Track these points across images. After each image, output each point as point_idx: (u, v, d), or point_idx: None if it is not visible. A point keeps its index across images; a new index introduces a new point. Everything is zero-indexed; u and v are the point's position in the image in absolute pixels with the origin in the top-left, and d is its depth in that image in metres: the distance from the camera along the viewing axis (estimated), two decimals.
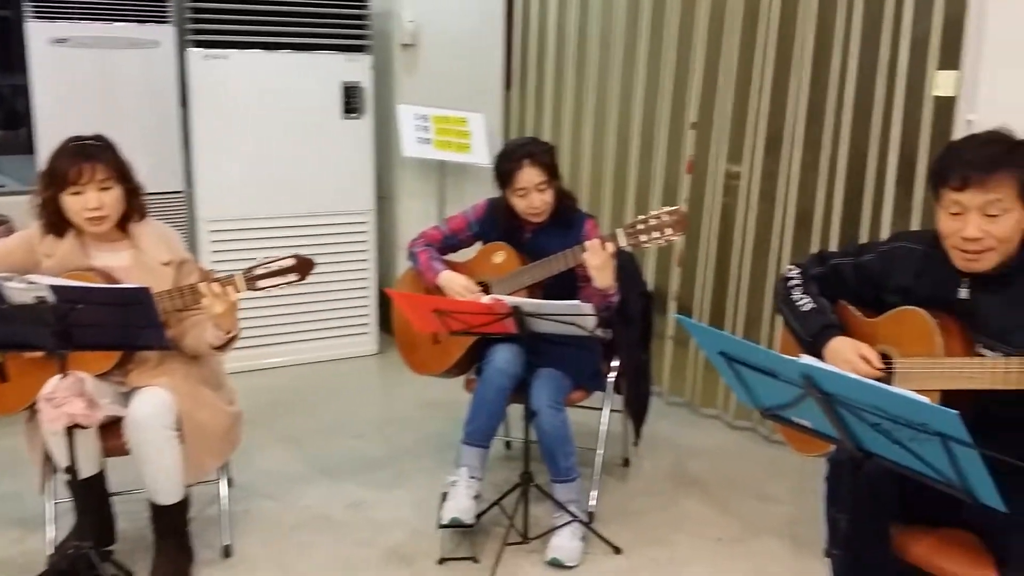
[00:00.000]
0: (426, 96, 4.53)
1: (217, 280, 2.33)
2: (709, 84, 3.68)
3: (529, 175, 2.74)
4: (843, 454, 1.82)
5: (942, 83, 2.97)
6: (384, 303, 4.65)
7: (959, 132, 2.89)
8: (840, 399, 1.59)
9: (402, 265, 4.57)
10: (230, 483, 2.74)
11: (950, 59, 2.93)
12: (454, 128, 4.50)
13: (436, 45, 4.57)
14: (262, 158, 4.19)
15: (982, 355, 1.88)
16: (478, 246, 3.00)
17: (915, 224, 3.04)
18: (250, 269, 2.36)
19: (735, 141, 3.61)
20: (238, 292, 2.34)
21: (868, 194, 3.18)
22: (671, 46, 3.80)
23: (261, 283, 2.37)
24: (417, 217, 4.58)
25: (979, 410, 1.84)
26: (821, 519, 2.05)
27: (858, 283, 2.14)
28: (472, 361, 2.94)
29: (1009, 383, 1.74)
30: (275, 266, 2.37)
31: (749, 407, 1.89)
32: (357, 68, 4.32)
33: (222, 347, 2.45)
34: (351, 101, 4.32)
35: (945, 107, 2.97)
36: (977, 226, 1.83)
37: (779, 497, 3.12)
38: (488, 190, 4.48)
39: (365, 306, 4.59)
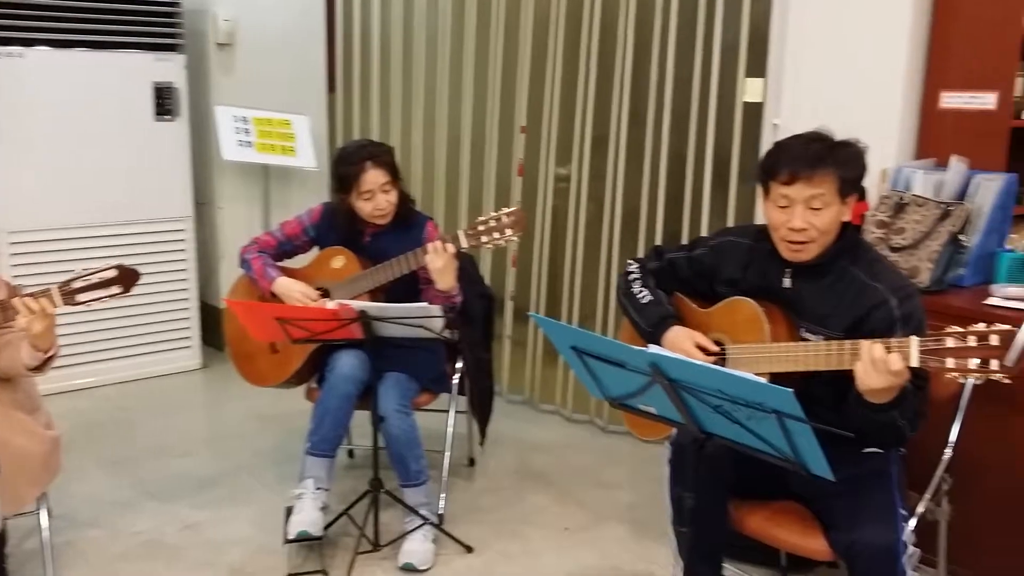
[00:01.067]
0: (245, 97, 4.37)
1: (31, 295, 2.14)
2: (536, 88, 3.78)
3: (374, 177, 2.71)
4: (686, 436, 1.93)
5: (750, 90, 3.21)
6: (207, 315, 4.44)
7: (766, 136, 3.14)
8: (684, 384, 1.68)
9: (225, 274, 4.39)
10: (50, 513, 2.52)
11: (757, 67, 3.17)
12: (277, 131, 4.36)
13: (254, 45, 4.41)
14: (66, 163, 3.89)
15: (806, 339, 2.04)
16: (315, 251, 2.93)
17: (730, 220, 3.26)
18: (67, 282, 2.17)
19: (563, 144, 3.73)
20: (54, 307, 2.16)
21: (688, 193, 3.39)
22: (498, 50, 3.88)
23: (80, 296, 2.19)
24: (240, 223, 4.41)
25: (801, 391, 2.01)
26: (661, 501, 2.16)
27: (692, 275, 2.28)
28: (313, 370, 2.87)
29: (830, 364, 1.90)
30: (95, 278, 2.19)
31: (597, 398, 1.96)
32: (169, 68, 4.10)
33: (39, 368, 2.25)
34: (163, 102, 4.10)
35: (753, 112, 3.21)
36: (803, 218, 1.99)
37: (619, 484, 3.25)
38: (315, 194, 4.39)
39: (186, 319, 4.36)
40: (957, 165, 2.82)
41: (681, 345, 2.14)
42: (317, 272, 2.85)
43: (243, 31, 4.38)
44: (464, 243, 2.59)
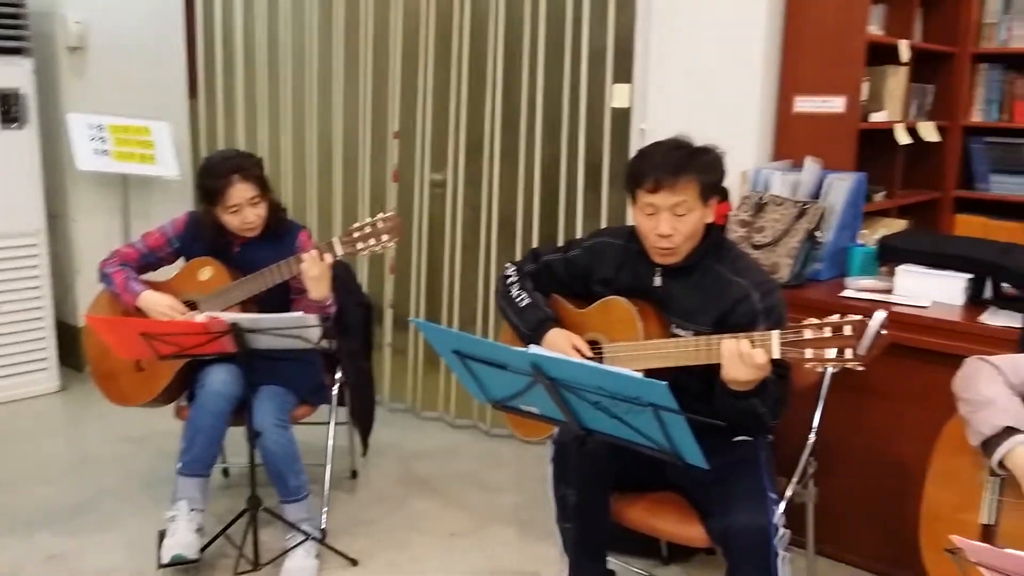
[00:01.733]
0: (100, 104, 4.15)
1: None
2: (409, 94, 3.76)
3: (241, 191, 2.62)
4: (567, 434, 1.96)
5: (618, 96, 3.30)
6: (64, 334, 4.19)
7: (634, 140, 3.23)
8: (565, 383, 1.71)
9: (83, 290, 4.16)
10: None
11: (623, 73, 3.26)
12: (136, 138, 4.17)
13: (108, 48, 4.20)
14: None
15: (677, 335, 2.12)
16: (181, 263, 2.81)
17: (604, 222, 3.34)
18: None
19: (438, 150, 3.73)
20: None
21: (562, 197, 3.45)
22: (368, 55, 3.83)
23: None
24: (98, 236, 4.18)
25: (675, 386, 2.07)
26: (545, 501, 2.19)
27: (569, 277, 2.31)
28: (182, 387, 2.75)
29: (699, 359, 1.97)
30: None
31: (481, 402, 1.96)
32: (15, 73, 3.85)
33: None
34: (9, 109, 3.85)
35: (622, 117, 3.30)
36: (669, 224, 2.05)
37: (504, 487, 3.27)
38: (178, 203, 4.22)
39: (42, 339, 4.09)
40: (811, 166, 2.98)
41: (560, 347, 2.17)
42: (184, 284, 2.74)
43: (96, 34, 4.16)
44: (340, 251, 2.55)
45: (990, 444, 1.59)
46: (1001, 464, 1.58)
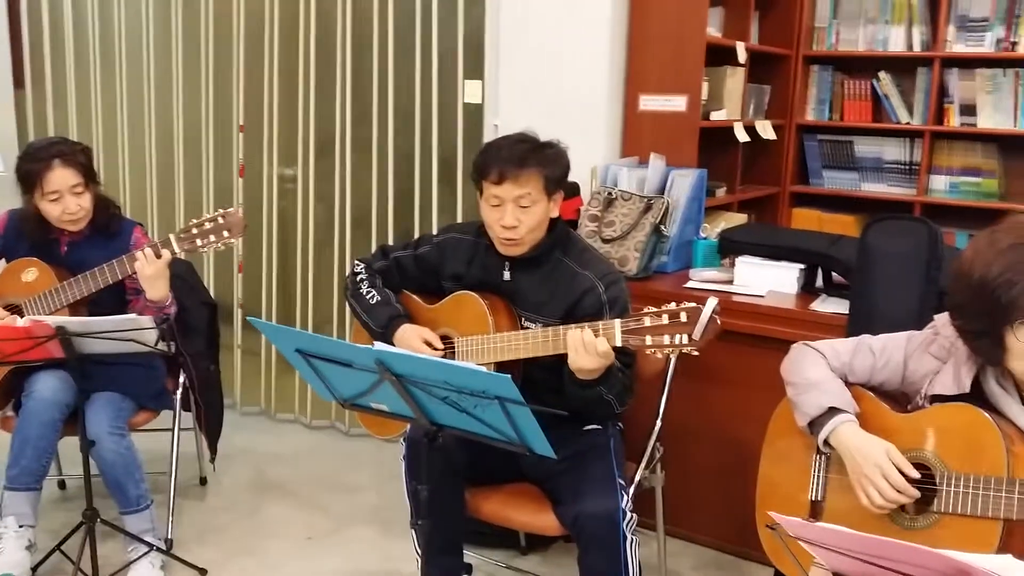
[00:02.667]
0: None
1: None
2: (254, 86, 3.63)
3: (61, 177, 2.45)
4: (418, 431, 1.94)
5: (470, 91, 3.30)
6: None
7: (487, 136, 3.25)
8: (411, 379, 1.69)
9: None
10: None
11: (475, 70, 3.27)
12: None
13: None
14: None
15: (527, 328, 2.14)
16: (2, 264, 2.62)
17: (459, 217, 3.34)
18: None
19: (287, 144, 3.62)
20: None
21: (417, 193, 3.42)
22: (209, 44, 3.68)
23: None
24: None
25: (525, 377, 2.10)
26: (405, 499, 2.17)
27: (419, 273, 2.30)
28: (7, 396, 2.56)
29: (547, 350, 2.00)
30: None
31: (328, 401, 1.92)
32: None
33: None
34: None
35: (474, 113, 3.31)
36: (513, 215, 2.08)
37: (363, 487, 3.21)
38: (9, 200, 3.92)
39: None
40: (656, 162, 3.08)
41: (410, 343, 2.16)
42: (6, 287, 2.55)
43: None
44: (177, 248, 2.43)
45: (816, 424, 1.69)
46: (826, 443, 1.68)
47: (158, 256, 2.39)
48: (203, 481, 3.18)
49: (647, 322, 1.82)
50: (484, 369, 1.58)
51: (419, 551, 2.17)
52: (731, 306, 2.70)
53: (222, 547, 2.75)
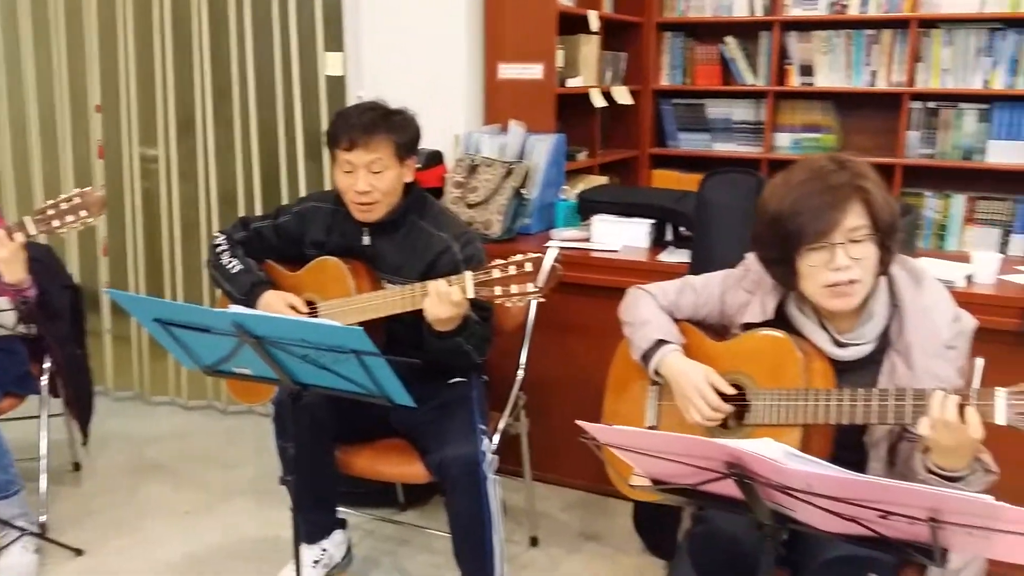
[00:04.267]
0: None
1: None
2: (109, 64, 3.56)
3: None
4: (283, 392, 2.01)
5: (331, 64, 3.34)
6: None
7: None
8: (270, 340, 1.76)
9: None
10: None
11: (335, 42, 3.31)
12: None
13: None
14: None
15: (387, 288, 2.23)
16: None
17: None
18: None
19: (147, 124, 3.57)
20: None
21: (283, 168, 3.44)
22: (59, 21, 3.58)
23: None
24: None
25: (390, 336, 2.20)
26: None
27: (280, 243, 2.35)
28: None
29: (406, 306, 2.09)
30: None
31: (191, 369, 1.96)
32: None
33: None
34: None
35: (337, 85, 3.35)
36: (366, 181, 2.16)
37: (242, 461, 3.25)
38: None
39: None
40: (515, 129, 3.21)
41: (275, 308, 2.22)
42: None
43: None
44: (33, 229, 2.39)
45: (647, 357, 1.85)
46: (657, 372, 1.84)
47: (11, 238, 2.36)
48: (77, 467, 3.15)
49: (496, 273, 1.93)
50: (337, 324, 1.67)
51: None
52: (589, 261, 2.86)
53: (99, 529, 2.75)
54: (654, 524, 2.62)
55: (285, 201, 3.45)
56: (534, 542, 2.69)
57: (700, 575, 1.66)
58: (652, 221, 2.98)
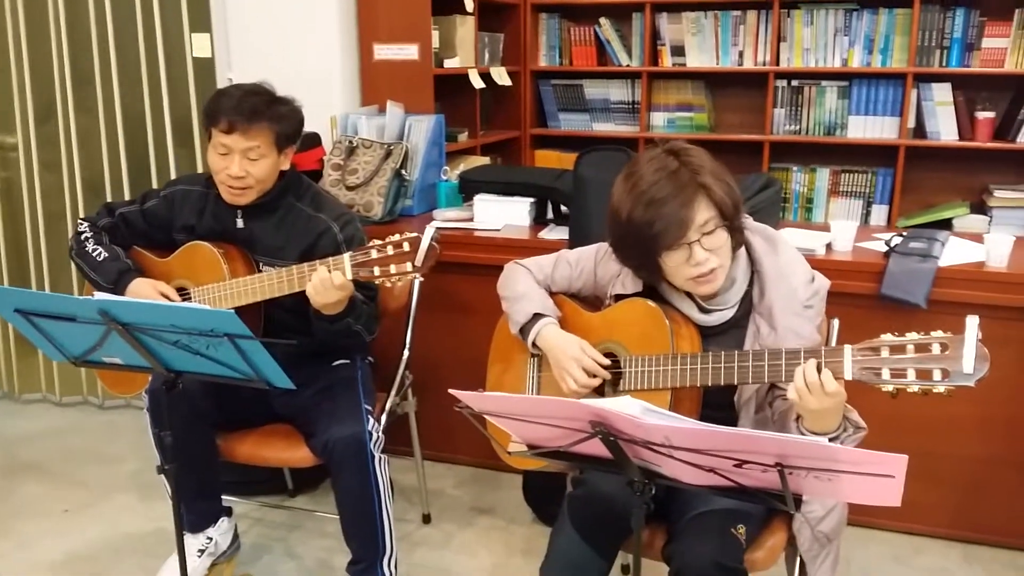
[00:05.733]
0: None
1: None
2: None
3: None
4: (158, 380, 1.97)
5: (198, 45, 3.24)
6: None
7: None
8: (138, 326, 1.72)
9: None
10: None
11: (202, 22, 3.21)
12: None
13: None
14: None
15: (265, 272, 2.19)
16: None
17: None
18: None
19: (3, 110, 3.39)
20: None
21: (152, 156, 3.32)
22: None
23: None
24: None
25: (269, 319, 2.18)
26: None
27: (148, 228, 2.29)
28: None
29: (283, 290, 2.06)
30: None
31: (59, 361, 1.90)
32: None
33: None
34: None
35: (206, 67, 3.26)
36: (240, 166, 2.11)
37: (122, 456, 3.15)
38: None
39: None
40: (393, 110, 3.20)
41: (145, 296, 2.16)
42: None
43: None
44: None
45: (525, 330, 1.89)
46: (535, 344, 1.89)
47: None
48: None
49: (374, 254, 1.94)
50: (206, 307, 1.64)
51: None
52: (472, 240, 2.89)
53: None
54: (543, 493, 2.69)
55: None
56: (427, 519, 2.72)
57: (580, 535, 1.72)
58: (533, 200, 3.03)
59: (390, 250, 1.93)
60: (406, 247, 1.92)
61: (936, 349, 1.40)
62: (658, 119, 4.32)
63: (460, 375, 2.90)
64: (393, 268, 1.93)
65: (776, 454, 1.15)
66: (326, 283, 1.96)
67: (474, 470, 3.01)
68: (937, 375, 1.40)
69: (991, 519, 2.57)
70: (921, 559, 2.52)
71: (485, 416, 1.40)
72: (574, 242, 2.64)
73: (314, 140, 3.13)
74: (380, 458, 2.13)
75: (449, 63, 3.56)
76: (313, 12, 3.16)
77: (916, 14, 3.72)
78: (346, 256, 1.96)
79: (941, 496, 2.59)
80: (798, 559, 1.81)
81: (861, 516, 2.64)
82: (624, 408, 1.17)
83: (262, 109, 2.12)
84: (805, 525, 1.78)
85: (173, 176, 3.32)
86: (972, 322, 1.38)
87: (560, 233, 2.85)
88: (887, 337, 1.45)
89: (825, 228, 2.81)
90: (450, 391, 1.40)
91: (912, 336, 1.43)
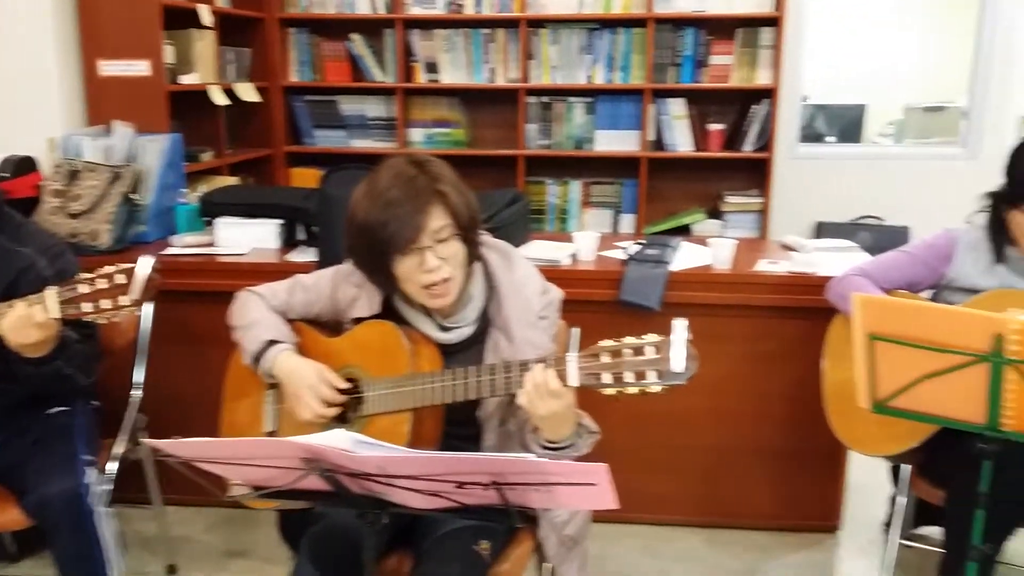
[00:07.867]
0: None
1: None
2: None
3: None
4: None
5: None
6: None
7: None
8: None
9: None
10: None
11: None
12: None
13: None
14: None
15: None
16: None
17: None
18: None
19: None
20: None
21: None
22: None
23: None
24: None
25: None
26: None
27: None
28: None
29: None
30: None
31: None
32: None
33: None
34: None
35: None
36: None
37: None
38: None
39: None
40: (121, 130, 2.96)
41: None
42: None
43: None
44: None
45: (258, 358, 1.79)
46: (272, 375, 1.79)
47: None
48: None
49: (83, 288, 1.75)
50: None
51: None
52: (214, 266, 2.72)
53: None
54: (301, 528, 2.56)
55: None
56: (172, 570, 2.51)
57: (319, 571, 1.64)
58: (281, 221, 2.90)
59: (102, 283, 1.75)
60: (120, 279, 1.75)
61: (650, 352, 1.45)
62: (416, 135, 4.32)
63: (203, 411, 2.72)
64: (106, 303, 1.75)
65: (491, 472, 1.14)
66: (24, 321, 1.75)
67: (227, 511, 2.82)
68: (652, 376, 1.45)
69: (728, 504, 2.75)
70: (671, 547, 2.66)
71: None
72: (323, 263, 2.56)
73: (28, 165, 2.83)
74: (102, 513, 1.93)
75: (186, 79, 3.35)
76: (25, 26, 2.86)
77: (651, 33, 3.97)
78: (50, 291, 1.76)
79: (683, 486, 2.74)
80: (545, 566, 1.83)
81: (613, 513, 2.72)
82: (334, 441, 1.11)
83: None
84: (551, 531, 1.80)
85: None
86: (680, 324, 1.45)
87: (311, 255, 2.75)
88: (605, 343, 1.48)
89: (568, 239, 2.90)
90: (143, 441, 1.27)
91: (628, 340, 1.48)
